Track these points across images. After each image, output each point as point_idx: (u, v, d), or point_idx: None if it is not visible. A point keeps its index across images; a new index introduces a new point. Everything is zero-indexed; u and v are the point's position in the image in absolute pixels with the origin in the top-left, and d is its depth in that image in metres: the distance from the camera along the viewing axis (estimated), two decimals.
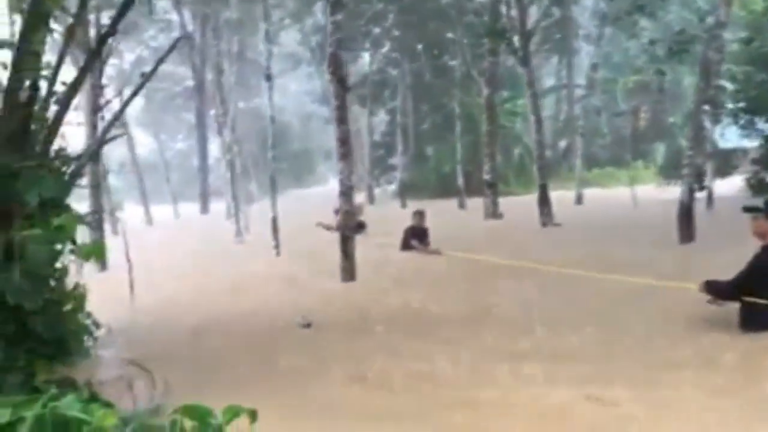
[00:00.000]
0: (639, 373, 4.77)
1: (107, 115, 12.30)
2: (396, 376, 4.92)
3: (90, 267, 12.03)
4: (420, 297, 7.91)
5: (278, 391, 4.63)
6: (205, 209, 30.65)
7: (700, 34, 13.48)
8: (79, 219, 4.62)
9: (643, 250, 10.78)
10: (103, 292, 8.55)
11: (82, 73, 5.58)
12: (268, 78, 12.80)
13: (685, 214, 11.59)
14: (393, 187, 32.44)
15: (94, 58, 6.09)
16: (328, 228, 14.40)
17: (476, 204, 19.61)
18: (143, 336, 6.73)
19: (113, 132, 6.97)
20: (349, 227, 9.92)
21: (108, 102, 9.92)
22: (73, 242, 4.72)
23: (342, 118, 9.89)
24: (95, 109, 10.95)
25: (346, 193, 10.04)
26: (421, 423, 4.05)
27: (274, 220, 13.27)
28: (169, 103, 42.19)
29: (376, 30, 31.53)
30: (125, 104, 6.60)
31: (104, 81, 22.87)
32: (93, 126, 10.22)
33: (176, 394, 4.33)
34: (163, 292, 9.27)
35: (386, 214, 20.18)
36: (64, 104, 5.52)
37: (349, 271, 9.87)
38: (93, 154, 5.78)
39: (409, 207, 25.24)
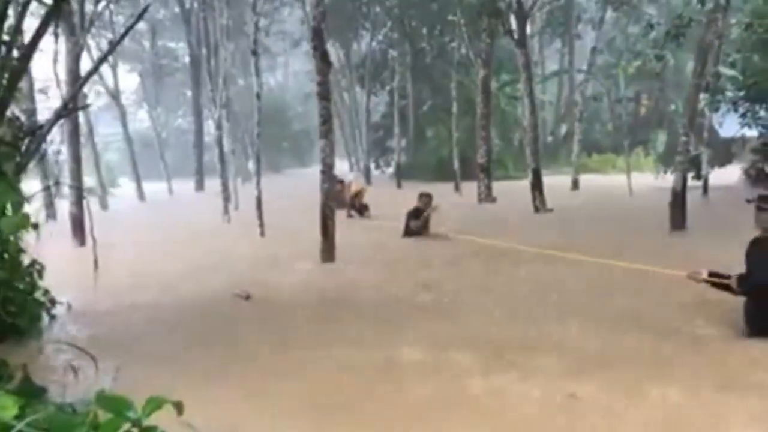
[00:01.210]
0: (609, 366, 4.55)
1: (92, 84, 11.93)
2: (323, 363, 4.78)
3: (70, 242, 11.99)
4: (392, 281, 7.69)
5: (208, 377, 4.52)
6: (200, 186, 30.41)
7: (699, 18, 13.12)
8: (12, 189, 4.36)
9: (631, 237, 10.63)
10: (76, 270, 8.42)
11: (44, 23, 5.24)
12: (254, 53, 12.49)
13: (678, 201, 11.34)
14: (391, 169, 32.18)
15: (58, 7, 5.76)
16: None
17: (472, 187, 19.37)
18: (102, 316, 6.53)
19: (79, 104, 6.71)
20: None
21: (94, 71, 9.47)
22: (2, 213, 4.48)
23: (324, 95, 9.64)
24: (75, 76, 10.53)
25: (327, 171, 9.83)
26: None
27: (259, 200, 13.03)
28: (168, 80, 41.78)
29: (377, 9, 31.16)
30: (90, 73, 6.32)
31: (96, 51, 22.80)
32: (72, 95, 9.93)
33: (124, 379, 4.14)
34: (134, 269, 9.08)
35: (379, 194, 19.91)
36: (24, 61, 5.26)
37: (328, 252, 9.67)
38: (49, 126, 5.50)
39: (405, 188, 25.23)
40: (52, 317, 6.36)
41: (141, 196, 26.62)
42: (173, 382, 4.08)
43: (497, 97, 28.65)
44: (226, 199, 16.20)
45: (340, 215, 14.23)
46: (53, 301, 6.36)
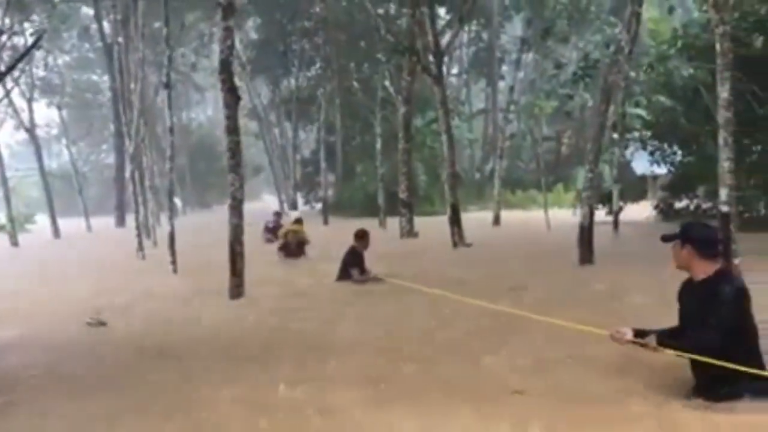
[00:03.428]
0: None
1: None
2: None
3: None
4: (292, 322, 7.51)
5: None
6: (121, 223, 29.57)
7: (605, 59, 13.72)
8: None
9: (539, 271, 10.79)
10: None
11: None
12: (167, 86, 12.31)
13: (585, 236, 11.62)
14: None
15: None
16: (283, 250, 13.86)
17: (397, 223, 19.49)
18: None
19: None
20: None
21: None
22: None
23: (232, 129, 9.54)
24: None
25: (236, 207, 9.68)
26: None
27: (172, 236, 12.73)
28: (92, 113, 40.86)
29: (306, 46, 31.45)
30: None
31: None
32: None
33: None
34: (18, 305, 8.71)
35: (306, 230, 19.75)
36: None
37: (237, 289, 9.47)
38: None
39: (332, 224, 25.18)
40: None
41: (56, 232, 25.65)
42: None
43: (423, 134, 29.16)
44: (141, 235, 15.75)
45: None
46: None
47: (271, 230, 17.12)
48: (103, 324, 7.55)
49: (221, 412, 4.36)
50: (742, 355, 3.83)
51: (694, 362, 4.04)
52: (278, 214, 19.23)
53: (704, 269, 4.12)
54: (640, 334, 4.12)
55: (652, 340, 4.00)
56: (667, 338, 4.01)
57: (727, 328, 3.84)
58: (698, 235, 4.22)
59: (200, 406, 4.47)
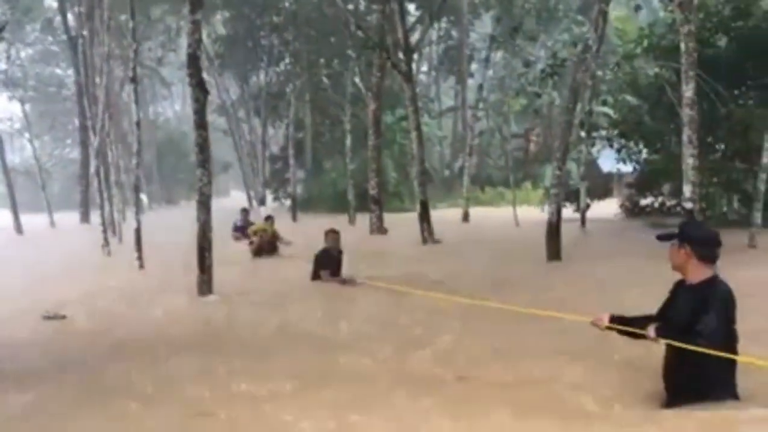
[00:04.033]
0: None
1: None
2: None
3: None
4: (259, 319, 7.44)
5: None
6: (86, 219, 28.97)
7: (573, 58, 13.86)
8: None
9: (506, 267, 10.92)
10: None
11: None
12: (133, 80, 12.11)
13: (553, 233, 11.75)
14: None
15: None
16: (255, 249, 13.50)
17: (367, 219, 19.46)
18: None
19: None
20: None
21: None
22: None
23: (200, 123, 9.42)
24: None
25: (204, 202, 9.56)
26: None
27: (138, 232, 12.55)
28: (57, 108, 40.06)
29: (275, 42, 31.20)
30: None
31: None
32: None
33: None
34: None
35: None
36: None
37: (205, 286, 9.37)
38: None
39: (301, 221, 25.03)
40: None
41: (18, 228, 25.10)
42: None
43: (392, 131, 29.18)
44: (106, 231, 15.49)
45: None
46: None
47: (240, 229, 16.56)
48: (62, 317, 7.52)
49: (165, 407, 4.32)
50: (722, 371, 3.67)
51: (668, 368, 3.90)
52: (246, 211, 18.94)
53: (700, 273, 3.81)
54: (616, 320, 4.08)
55: (651, 331, 3.78)
56: (666, 331, 3.77)
57: (714, 336, 3.60)
58: (698, 235, 3.92)
59: (148, 401, 4.42)
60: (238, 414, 4.12)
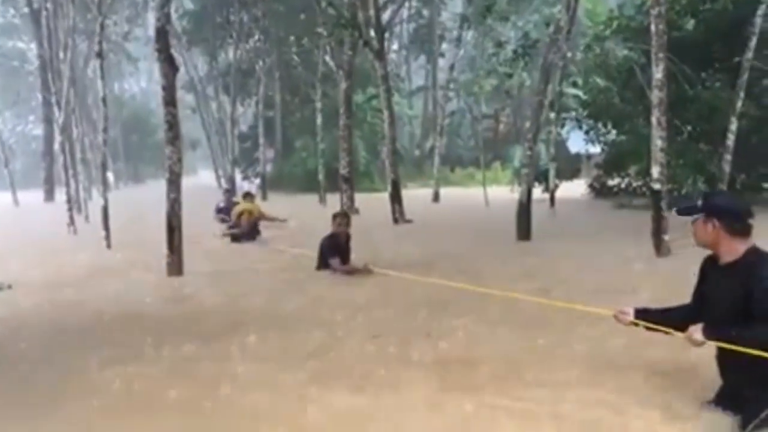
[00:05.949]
0: None
1: None
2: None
3: None
4: (227, 300, 7.34)
5: None
6: (50, 197, 28.44)
7: (545, 39, 13.90)
8: None
9: (477, 246, 10.99)
10: None
11: None
12: (99, 55, 11.83)
13: (523, 212, 11.86)
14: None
15: None
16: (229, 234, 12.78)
17: (338, 199, 19.39)
18: None
19: None
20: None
21: None
22: None
23: (169, 100, 9.27)
24: None
25: (174, 180, 9.43)
26: None
27: (105, 210, 12.33)
28: (17, 82, 39.04)
29: (244, 18, 30.70)
30: None
31: None
32: None
33: None
34: None
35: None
36: None
37: (175, 266, 9.26)
38: None
39: (271, 200, 24.84)
40: None
41: None
42: None
43: (363, 110, 29.04)
44: (72, 209, 15.20)
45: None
46: None
47: (223, 209, 15.86)
48: (8, 287, 7.64)
49: (117, 386, 4.29)
50: None
51: (725, 365, 3.35)
52: (229, 191, 18.44)
53: (734, 248, 3.28)
54: (641, 313, 3.61)
55: (697, 331, 3.18)
56: (714, 332, 3.16)
57: None
58: (725, 207, 3.36)
59: (92, 381, 4.39)
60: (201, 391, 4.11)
